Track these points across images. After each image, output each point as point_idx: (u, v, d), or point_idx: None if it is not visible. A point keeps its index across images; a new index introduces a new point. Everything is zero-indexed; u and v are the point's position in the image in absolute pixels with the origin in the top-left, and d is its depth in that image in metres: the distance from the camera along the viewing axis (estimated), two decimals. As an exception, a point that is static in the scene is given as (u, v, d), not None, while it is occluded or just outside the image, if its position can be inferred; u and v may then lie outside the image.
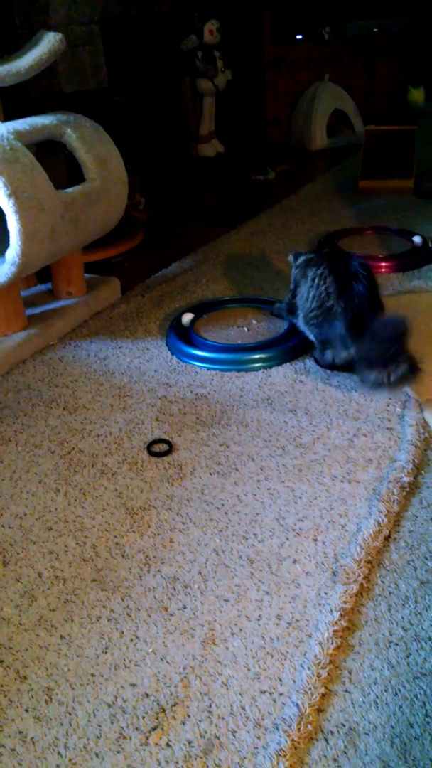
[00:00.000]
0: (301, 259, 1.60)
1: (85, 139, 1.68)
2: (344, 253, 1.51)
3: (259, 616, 0.94)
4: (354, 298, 1.41)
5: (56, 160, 1.84)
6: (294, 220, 2.59)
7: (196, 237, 2.49)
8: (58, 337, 1.76)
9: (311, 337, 1.54)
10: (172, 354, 1.66)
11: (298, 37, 3.75)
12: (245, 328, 1.75)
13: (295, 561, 1.03)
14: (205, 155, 3.67)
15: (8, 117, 1.69)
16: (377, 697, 0.83)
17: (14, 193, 1.44)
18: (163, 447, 1.31)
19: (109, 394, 1.50)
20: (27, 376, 1.59)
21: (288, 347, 1.60)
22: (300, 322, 1.56)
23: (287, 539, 1.07)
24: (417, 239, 2.19)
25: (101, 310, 1.92)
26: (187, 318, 1.75)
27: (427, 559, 1.01)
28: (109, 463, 1.28)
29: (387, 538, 1.05)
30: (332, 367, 1.51)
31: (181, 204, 2.95)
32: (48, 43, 1.62)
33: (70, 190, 1.64)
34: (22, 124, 1.59)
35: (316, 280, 1.47)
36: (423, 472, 1.20)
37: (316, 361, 1.55)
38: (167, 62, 3.43)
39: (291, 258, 1.66)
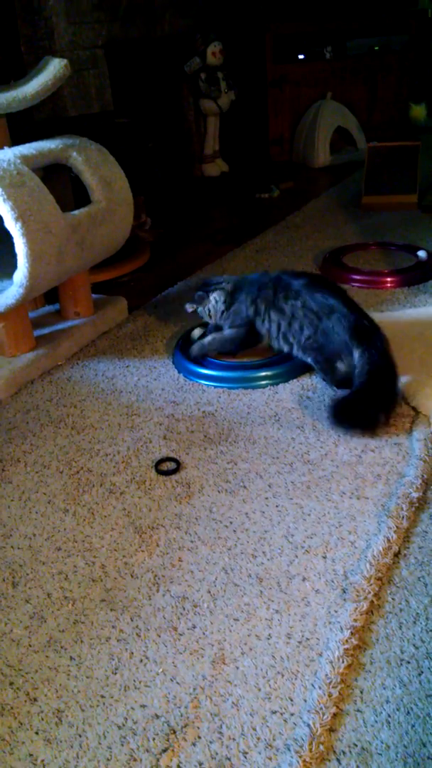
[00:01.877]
0: (228, 289, 1.64)
1: (90, 162, 1.71)
2: (278, 276, 1.58)
3: (269, 635, 0.94)
4: (340, 309, 1.46)
5: (62, 183, 1.86)
6: (298, 236, 2.60)
7: (202, 255, 2.51)
8: (66, 358, 1.78)
9: (310, 361, 1.54)
10: (179, 372, 1.66)
11: (300, 56, 3.80)
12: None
13: (304, 579, 1.02)
14: (210, 175, 3.71)
15: (15, 142, 1.72)
16: (389, 716, 0.82)
17: (21, 217, 1.46)
18: (171, 465, 1.31)
19: (117, 413, 1.51)
20: (35, 396, 1.60)
21: (294, 364, 1.60)
22: (295, 350, 1.55)
23: (296, 557, 1.06)
24: (421, 254, 2.19)
25: (108, 329, 1.93)
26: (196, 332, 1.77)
27: (437, 575, 1.01)
28: (118, 482, 1.28)
29: (397, 555, 1.05)
30: (346, 381, 1.50)
31: (186, 223, 2.97)
32: (53, 69, 1.65)
33: (76, 212, 1.66)
34: (28, 148, 1.62)
35: (298, 310, 1.51)
36: (432, 487, 1.19)
37: (325, 379, 1.55)
38: (171, 84, 3.48)
39: (204, 303, 1.67)
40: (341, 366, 1.48)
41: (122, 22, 2.98)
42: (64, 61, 1.66)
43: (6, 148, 1.61)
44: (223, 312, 1.65)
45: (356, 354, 1.41)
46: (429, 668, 0.87)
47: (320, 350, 1.50)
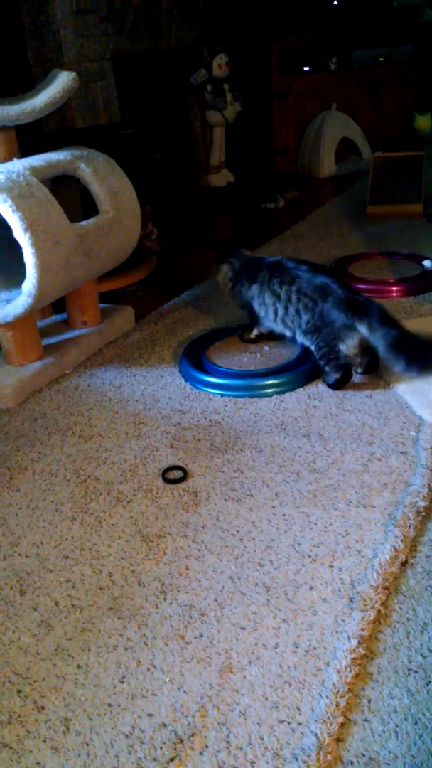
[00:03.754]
0: (235, 266, 1.76)
1: (98, 173, 1.73)
2: (278, 261, 1.67)
3: (276, 644, 0.94)
4: (334, 290, 1.52)
5: (70, 194, 1.88)
6: (304, 246, 2.61)
7: (208, 265, 2.51)
8: (74, 366, 1.79)
9: (312, 347, 1.59)
10: (186, 381, 1.67)
11: (306, 68, 3.83)
12: (258, 354, 1.76)
13: (311, 588, 1.02)
14: (216, 185, 3.73)
15: (24, 153, 1.73)
16: (397, 725, 0.82)
17: (30, 227, 1.47)
18: (178, 474, 1.32)
19: (124, 422, 1.52)
20: (43, 404, 1.61)
21: (300, 372, 1.61)
22: (297, 335, 1.62)
23: (303, 566, 1.06)
24: (427, 263, 2.20)
25: (115, 338, 1.94)
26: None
27: (444, 584, 1.01)
28: (125, 490, 1.29)
29: (404, 564, 1.05)
30: (344, 374, 1.53)
31: (193, 233, 2.99)
32: (62, 82, 1.67)
33: (84, 222, 1.68)
34: (37, 160, 1.64)
35: (293, 294, 1.58)
36: (438, 496, 1.19)
37: (330, 385, 1.56)
38: (177, 95, 3.51)
39: (215, 272, 1.81)
40: (343, 347, 1.52)
41: (129, 35, 3.01)
42: (73, 74, 1.68)
43: (15, 160, 1.63)
44: (229, 288, 1.77)
45: (363, 328, 1.47)
46: (437, 678, 0.87)
47: (320, 332, 1.54)
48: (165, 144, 3.31)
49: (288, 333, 1.65)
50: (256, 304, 1.69)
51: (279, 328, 1.67)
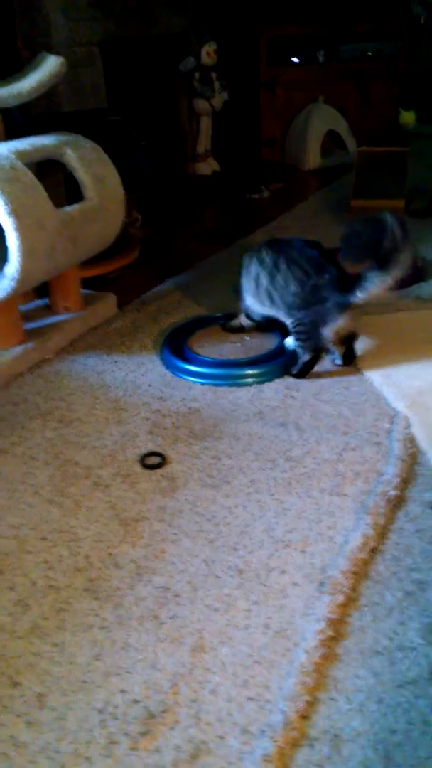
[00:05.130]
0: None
1: (84, 159, 1.73)
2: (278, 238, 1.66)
3: (248, 625, 0.96)
4: (330, 268, 1.49)
5: (56, 179, 1.88)
6: (288, 238, 2.63)
7: (192, 254, 2.52)
8: (55, 352, 1.79)
9: (292, 324, 1.56)
10: (167, 369, 1.69)
11: (294, 59, 3.83)
12: (238, 344, 1.78)
13: (283, 572, 1.05)
14: (202, 173, 3.73)
15: (10, 136, 1.73)
16: (361, 704, 0.85)
17: (14, 212, 1.47)
18: (156, 460, 1.34)
19: (104, 408, 1.53)
20: (24, 389, 1.62)
21: (279, 363, 1.63)
22: (281, 311, 1.59)
23: (276, 550, 1.09)
24: (408, 258, 2.22)
25: (97, 325, 1.95)
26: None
27: (412, 570, 1.04)
28: (103, 475, 1.30)
29: (373, 551, 1.08)
30: (317, 356, 1.56)
31: (177, 221, 2.99)
32: (49, 66, 1.67)
33: (68, 208, 1.68)
34: (23, 143, 1.64)
35: (281, 264, 1.53)
36: (409, 486, 1.22)
37: (295, 375, 1.59)
38: (165, 83, 3.50)
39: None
40: (326, 332, 1.50)
41: (118, 20, 2.99)
42: (60, 59, 1.68)
43: (0, 143, 1.62)
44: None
45: (361, 289, 1.45)
46: (400, 659, 0.90)
47: (308, 309, 1.50)
48: (152, 131, 3.30)
49: (273, 310, 1.60)
50: (243, 279, 1.65)
51: (262, 305, 1.62)
